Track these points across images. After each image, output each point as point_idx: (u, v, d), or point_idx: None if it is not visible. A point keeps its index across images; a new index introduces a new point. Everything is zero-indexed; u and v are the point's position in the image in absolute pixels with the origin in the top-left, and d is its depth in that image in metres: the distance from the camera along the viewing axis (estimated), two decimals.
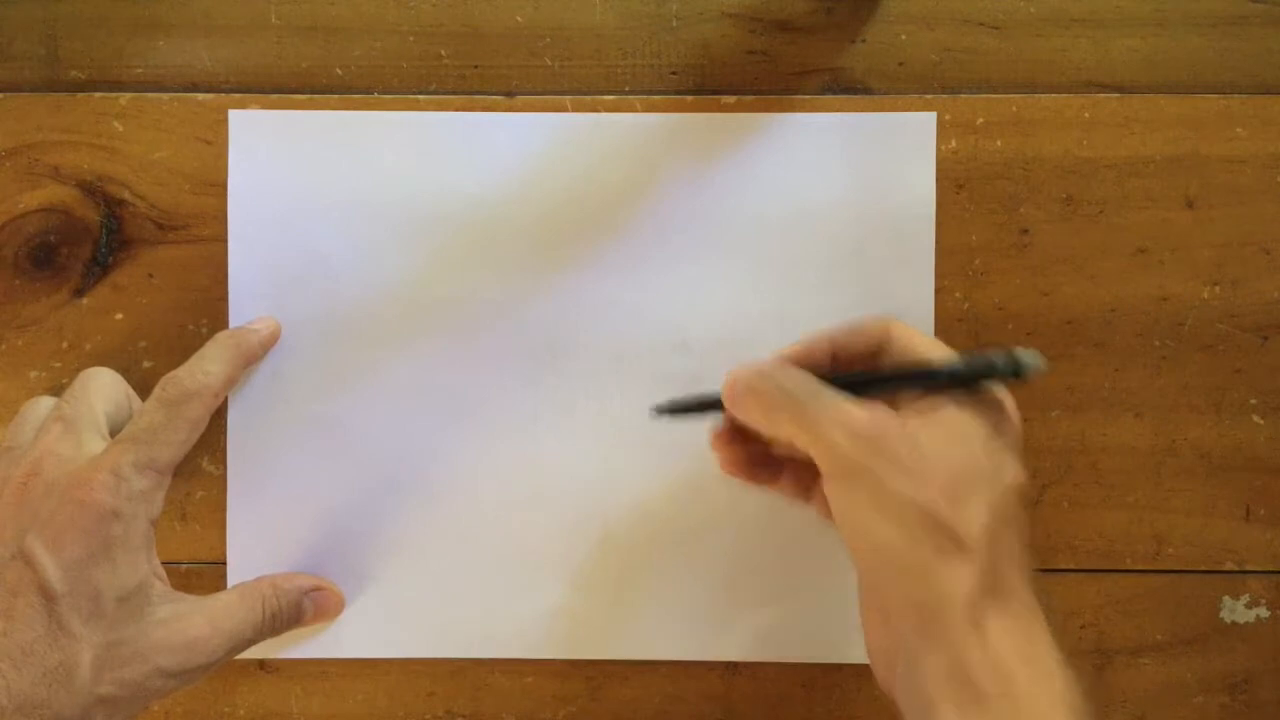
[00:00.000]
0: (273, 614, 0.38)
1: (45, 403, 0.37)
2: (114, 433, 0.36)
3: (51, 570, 0.32)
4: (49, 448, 0.34)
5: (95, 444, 0.35)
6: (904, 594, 0.32)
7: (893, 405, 0.33)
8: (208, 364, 0.37)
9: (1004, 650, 0.31)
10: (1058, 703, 0.30)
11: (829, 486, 0.33)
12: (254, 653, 0.38)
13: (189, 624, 0.35)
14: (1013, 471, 0.33)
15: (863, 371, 0.35)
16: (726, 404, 0.35)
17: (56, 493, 0.33)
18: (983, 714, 0.30)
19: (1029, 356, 0.32)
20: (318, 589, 0.40)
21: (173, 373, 0.37)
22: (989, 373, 0.32)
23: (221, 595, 0.37)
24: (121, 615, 0.33)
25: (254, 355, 0.39)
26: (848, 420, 0.32)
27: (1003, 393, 0.34)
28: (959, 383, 0.33)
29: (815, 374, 0.34)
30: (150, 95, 0.41)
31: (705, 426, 0.37)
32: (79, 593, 0.32)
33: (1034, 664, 0.31)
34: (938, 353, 0.34)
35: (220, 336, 0.39)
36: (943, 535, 0.31)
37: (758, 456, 0.37)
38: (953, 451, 0.32)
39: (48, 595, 0.32)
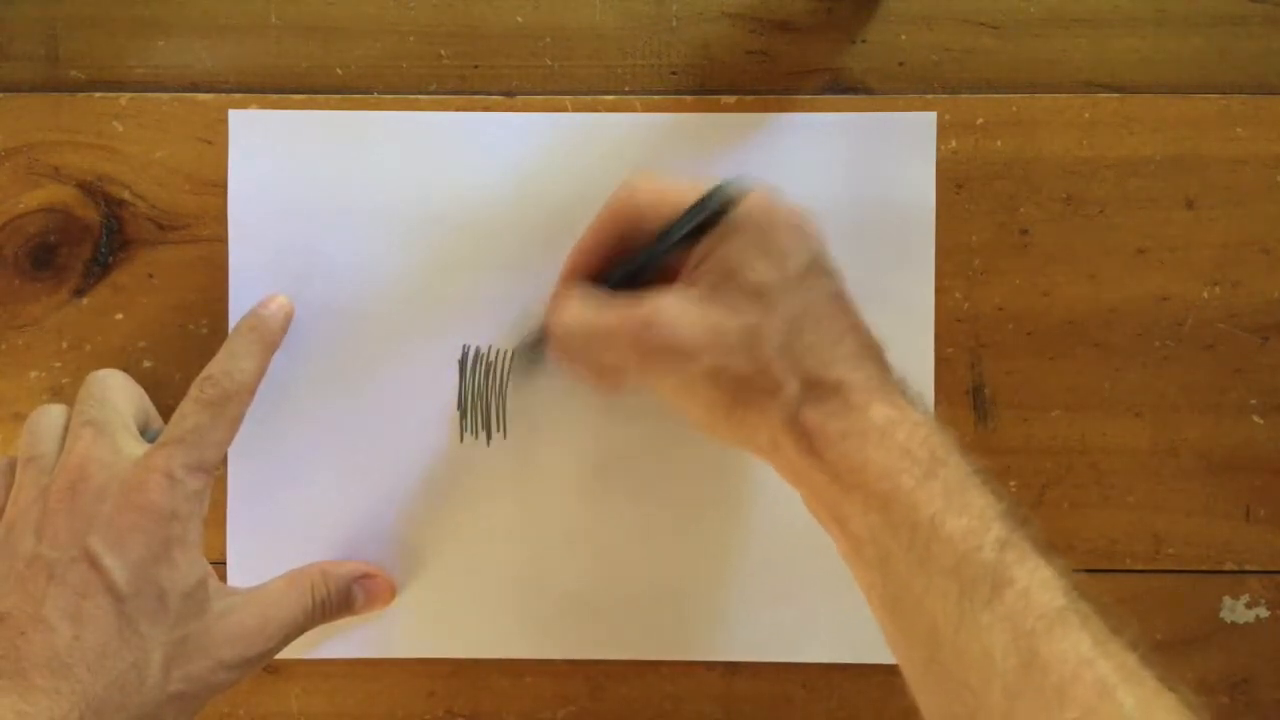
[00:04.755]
0: (321, 600, 0.38)
1: (56, 411, 0.36)
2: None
3: (118, 572, 0.32)
4: (87, 453, 0.34)
5: (131, 446, 0.35)
6: (754, 454, 0.34)
7: (685, 262, 0.34)
8: (240, 361, 0.36)
9: (833, 439, 0.31)
10: (902, 452, 0.31)
11: (659, 395, 0.35)
12: (296, 650, 0.37)
13: (244, 615, 0.35)
14: (793, 263, 0.33)
15: (616, 268, 0.35)
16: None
17: (111, 497, 0.33)
18: (853, 521, 0.31)
19: (732, 187, 0.32)
20: (367, 576, 0.40)
21: (208, 373, 0.36)
22: (709, 217, 0.33)
23: (270, 584, 0.37)
24: (185, 612, 0.33)
25: (278, 341, 0.39)
26: (619, 342, 0.33)
27: (758, 197, 0.33)
28: (695, 234, 0.33)
29: (597, 276, 0.35)
30: (150, 95, 0.41)
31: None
32: (145, 593, 0.33)
33: (865, 433, 0.31)
34: (685, 196, 0.34)
35: (244, 329, 0.38)
36: (736, 387, 0.32)
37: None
38: (720, 298, 0.32)
39: (117, 596, 0.32)
